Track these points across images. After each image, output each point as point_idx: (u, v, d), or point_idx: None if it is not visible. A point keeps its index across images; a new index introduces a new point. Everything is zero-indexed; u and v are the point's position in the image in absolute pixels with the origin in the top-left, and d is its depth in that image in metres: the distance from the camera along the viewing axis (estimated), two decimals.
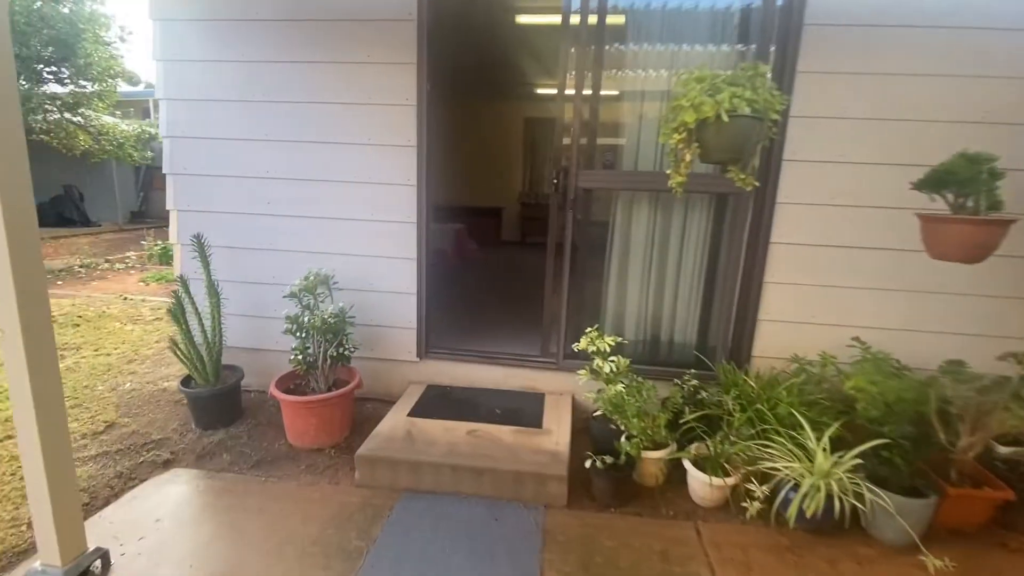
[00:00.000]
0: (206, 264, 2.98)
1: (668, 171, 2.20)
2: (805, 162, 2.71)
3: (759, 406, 2.51)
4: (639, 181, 3.02)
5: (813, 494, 2.05)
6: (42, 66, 8.29)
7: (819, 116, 2.67)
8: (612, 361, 2.60)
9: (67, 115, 9.19)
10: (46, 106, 8.48)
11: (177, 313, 2.89)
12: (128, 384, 3.58)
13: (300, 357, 2.83)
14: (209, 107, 3.13)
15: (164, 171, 3.24)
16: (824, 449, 2.17)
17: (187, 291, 2.92)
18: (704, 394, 2.62)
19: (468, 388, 3.23)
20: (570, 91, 2.90)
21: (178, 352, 2.92)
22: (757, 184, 2.34)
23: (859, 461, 2.13)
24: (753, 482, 2.25)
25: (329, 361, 2.88)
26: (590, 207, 3.05)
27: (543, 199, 9.09)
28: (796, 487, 2.11)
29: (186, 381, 3.02)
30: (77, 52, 8.18)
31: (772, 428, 2.41)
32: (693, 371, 2.77)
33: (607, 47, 2.93)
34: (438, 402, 3.06)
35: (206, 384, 2.98)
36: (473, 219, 8.05)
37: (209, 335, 2.99)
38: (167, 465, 2.67)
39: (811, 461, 2.19)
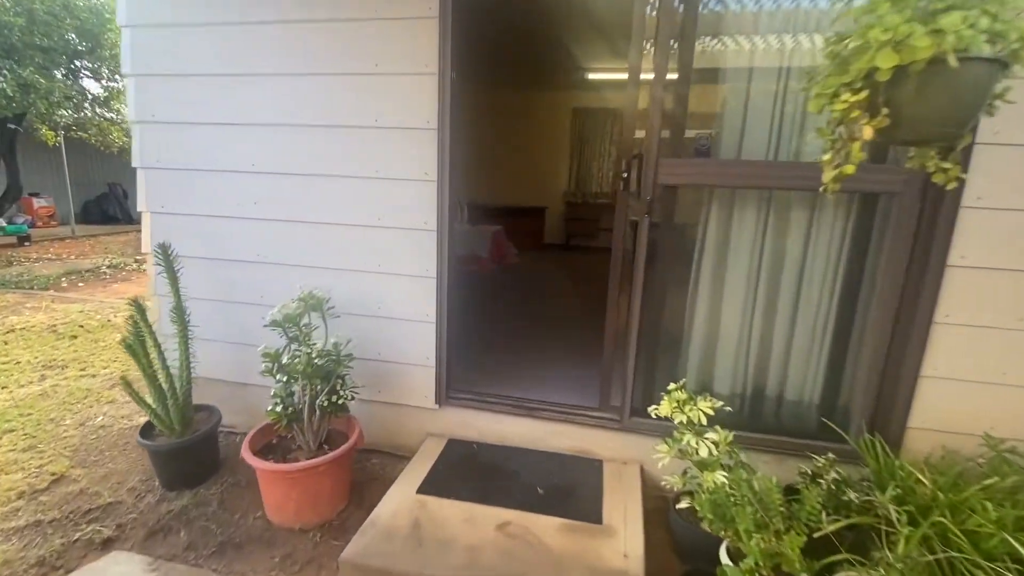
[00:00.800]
0: (174, 281, 2.35)
1: (825, 157, 1.36)
2: (1014, 146, 1.80)
3: (939, 517, 1.64)
4: (753, 175, 2.10)
5: None
6: (68, 58, 8.00)
7: None
8: (710, 438, 1.78)
9: (99, 110, 9.02)
10: (75, 100, 8.28)
11: (135, 346, 2.26)
12: (100, 418, 3.01)
13: (280, 408, 2.14)
14: (183, 83, 2.49)
15: (134, 164, 2.64)
16: None
17: (143, 317, 2.28)
18: (851, 495, 1.75)
19: (500, 447, 2.47)
20: (647, 75, 2.09)
21: (134, 395, 2.28)
22: (964, 177, 1.46)
23: None
24: None
25: (319, 412, 2.18)
26: (672, 209, 2.21)
27: (591, 198, 8.24)
28: None
29: (146, 430, 2.39)
30: (103, 43, 7.91)
31: (967, 558, 1.54)
32: (831, 455, 1.88)
33: (701, 7, 2.10)
34: (460, 469, 2.31)
35: (170, 434, 2.35)
36: (512, 220, 7.26)
37: (175, 372, 2.35)
38: (106, 546, 2.04)
39: None
